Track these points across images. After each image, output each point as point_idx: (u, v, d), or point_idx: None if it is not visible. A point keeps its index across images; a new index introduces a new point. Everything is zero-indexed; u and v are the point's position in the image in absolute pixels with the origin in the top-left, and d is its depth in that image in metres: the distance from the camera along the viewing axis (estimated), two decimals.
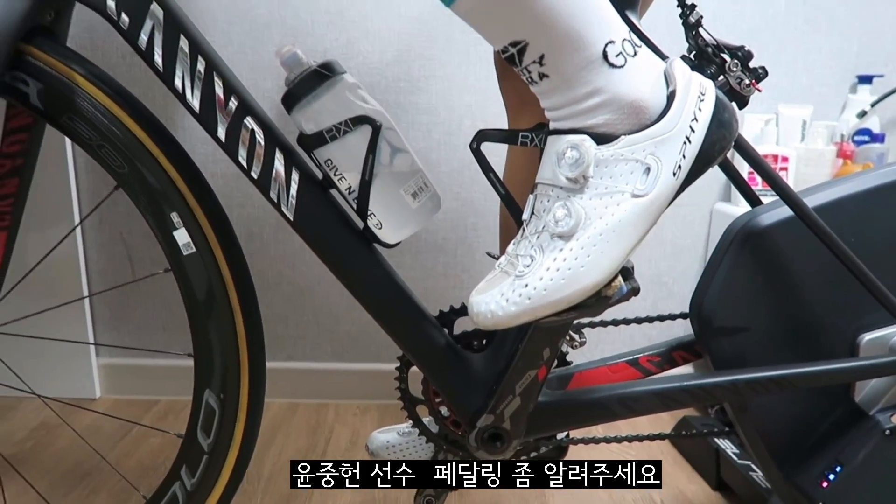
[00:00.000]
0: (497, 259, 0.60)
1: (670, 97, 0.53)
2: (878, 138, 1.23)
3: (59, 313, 1.24)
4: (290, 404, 1.36)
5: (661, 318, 0.80)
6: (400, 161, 0.66)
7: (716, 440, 1.13)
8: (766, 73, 0.62)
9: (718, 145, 0.56)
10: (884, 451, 0.70)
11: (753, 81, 0.61)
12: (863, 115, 1.23)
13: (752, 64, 0.61)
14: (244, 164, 0.64)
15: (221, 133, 0.63)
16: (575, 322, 0.78)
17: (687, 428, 1.22)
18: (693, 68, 0.60)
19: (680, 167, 0.53)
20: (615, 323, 0.79)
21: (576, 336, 0.77)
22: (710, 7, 1.23)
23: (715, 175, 1.35)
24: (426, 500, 0.82)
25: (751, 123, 1.25)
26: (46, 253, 0.89)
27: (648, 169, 0.52)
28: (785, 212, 0.68)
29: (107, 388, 1.37)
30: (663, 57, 0.58)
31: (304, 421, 1.30)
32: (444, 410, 0.76)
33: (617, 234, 0.52)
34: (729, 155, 0.77)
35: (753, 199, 0.73)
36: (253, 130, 0.63)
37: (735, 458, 1.08)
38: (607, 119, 0.51)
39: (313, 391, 1.37)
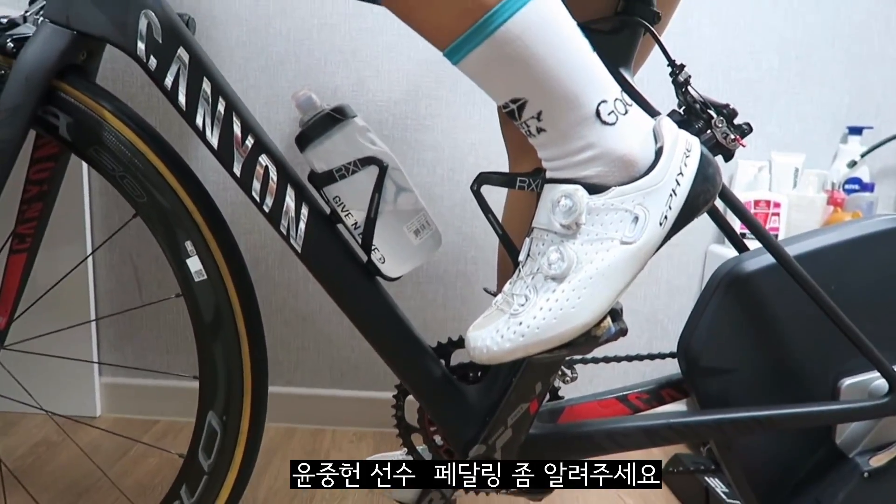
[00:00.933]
0: (494, 296, 0.64)
1: (658, 152, 0.57)
2: (867, 188, 1.28)
3: (66, 332, 1.28)
4: (287, 429, 1.38)
5: (651, 357, 0.82)
6: (404, 200, 0.70)
7: (706, 479, 1.15)
8: (750, 129, 0.66)
9: (703, 197, 0.60)
10: (862, 494, 0.72)
11: (738, 137, 0.65)
12: (853, 164, 1.27)
13: (737, 121, 0.66)
14: (257, 198, 0.68)
15: (237, 169, 0.67)
16: (567, 358, 0.81)
17: (677, 465, 1.23)
18: (682, 122, 0.64)
19: (666, 217, 0.57)
20: (607, 360, 0.82)
21: (568, 371, 0.79)
22: (707, 58, 1.29)
23: (709, 219, 1.39)
24: None
25: (745, 169, 1.29)
26: (60, 278, 0.92)
27: (637, 218, 0.56)
28: (769, 259, 0.71)
29: (108, 406, 1.40)
30: (653, 114, 0.62)
31: (300, 446, 1.32)
32: (437, 439, 0.78)
33: (606, 278, 0.55)
34: (719, 204, 0.81)
35: (740, 245, 0.77)
36: (267, 167, 0.67)
37: (724, 496, 1.10)
38: (599, 171, 0.56)
39: (311, 417, 1.39)
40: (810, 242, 0.73)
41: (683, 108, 0.67)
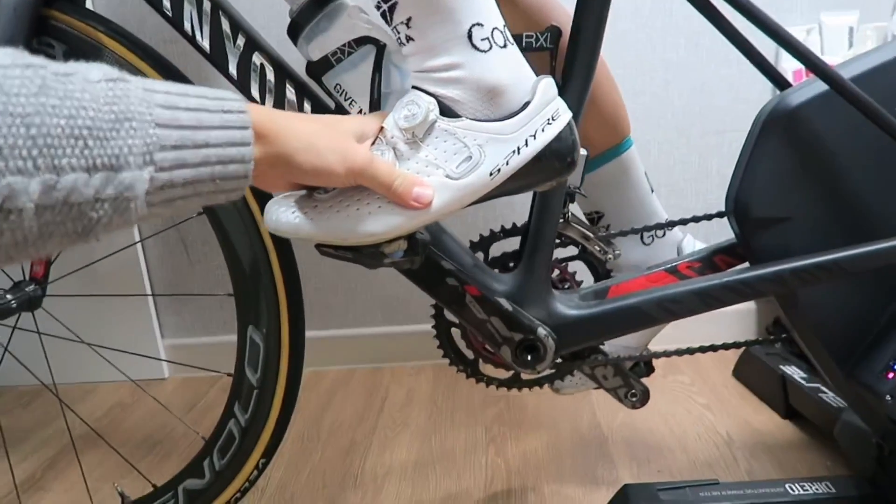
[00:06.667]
0: None
1: (524, 106, 0.54)
2: None
3: (126, 304, 1.33)
4: (346, 371, 1.39)
5: (697, 220, 0.77)
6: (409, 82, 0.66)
7: (782, 367, 1.08)
8: None
9: (544, 173, 0.56)
10: None
11: None
12: None
13: None
14: (257, 98, 0.66)
15: (233, 69, 0.65)
16: (605, 232, 0.77)
17: (752, 358, 1.17)
18: None
19: (499, 171, 0.53)
20: (659, 227, 0.77)
21: (608, 248, 0.75)
22: None
23: (759, 100, 1.28)
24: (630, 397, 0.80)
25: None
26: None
27: (470, 158, 0.52)
28: (817, 87, 0.64)
29: (174, 367, 1.44)
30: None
31: (360, 385, 1.33)
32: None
33: None
34: (768, 52, 0.74)
35: (781, 83, 0.70)
36: (262, 65, 0.65)
37: (803, 382, 1.03)
38: (458, 95, 0.53)
39: (368, 356, 1.40)
40: (865, 62, 0.65)
41: None
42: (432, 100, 0.52)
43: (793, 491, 0.79)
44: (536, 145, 0.54)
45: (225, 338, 1.40)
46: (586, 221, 0.77)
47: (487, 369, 0.77)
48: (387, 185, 0.50)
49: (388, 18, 0.53)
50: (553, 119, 0.55)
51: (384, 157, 0.52)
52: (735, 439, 1.01)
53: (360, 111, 0.66)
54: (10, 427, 1.26)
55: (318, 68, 0.65)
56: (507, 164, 0.54)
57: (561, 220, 0.72)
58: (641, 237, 0.80)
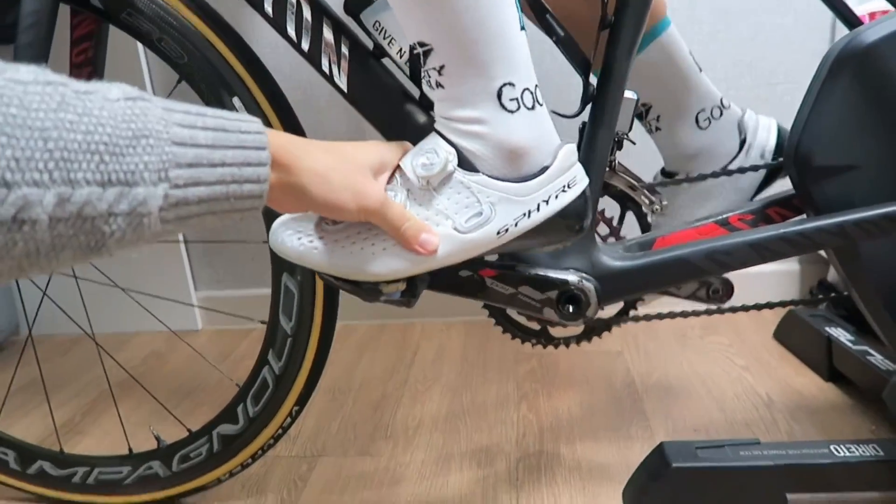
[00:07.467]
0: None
1: (542, 170, 0.53)
2: None
3: (160, 255, 1.34)
4: (377, 326, 1.39)
5: (743, 171, 0.73)
6: None
7: (827, 329, 1.05)
8: None
9: (552, 236, 0.57)
10: None
11: None
12: None
13: None
14: (293, 38, 0.63)
15: (269, 7, 0.63)
16: (652, 183, 0.73)
17: (795, 319, 1.13)
18: None
19: (507, 231, 0.53)
20: (702, 177, 0.73)
21: (654, 199, 0.72)
22: None
23: (816, 51, 1.22)
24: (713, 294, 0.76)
25: None
26: None
27: (481, 214, 0.52)
28: (894, 24, 0.59)
29: (207, 320, 1.46)
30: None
31: (390, 340, 1.32)
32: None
33: None
34: None
35: (853, 22, 0.65)
36: (299, 3, 0.62)
37: (850, 344, 1.00)
38: (478, 150, 0.52)
39: (398, 311, 1.39)
40: None
41: None
42: (452, 150, 0.52)
43: (838, 452, 0.76)
44: (548, 211, 0.54)
45: (257, 290, 1.41)
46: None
47: (558, 331, 0.76)
48: (396, 228, 0.50)
49: (423, 61, 0.52)
50: (568, 187, 0.55)
51: (397, 198, 0.52)
52: (775, 401, 0.98)
53: (400, 51, 0.63)
54: (49, 374, 1.29)
55: (356, 5, 0.62)
56: (516, 225, 0.53)
57: (607, 169, 0.69)
58: (697, 121, 0.76)
